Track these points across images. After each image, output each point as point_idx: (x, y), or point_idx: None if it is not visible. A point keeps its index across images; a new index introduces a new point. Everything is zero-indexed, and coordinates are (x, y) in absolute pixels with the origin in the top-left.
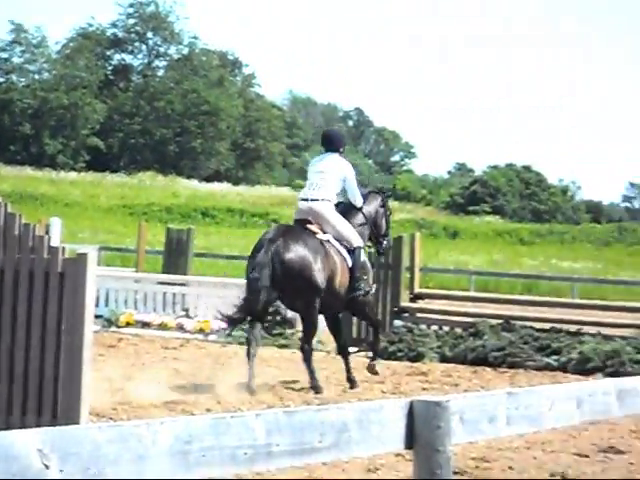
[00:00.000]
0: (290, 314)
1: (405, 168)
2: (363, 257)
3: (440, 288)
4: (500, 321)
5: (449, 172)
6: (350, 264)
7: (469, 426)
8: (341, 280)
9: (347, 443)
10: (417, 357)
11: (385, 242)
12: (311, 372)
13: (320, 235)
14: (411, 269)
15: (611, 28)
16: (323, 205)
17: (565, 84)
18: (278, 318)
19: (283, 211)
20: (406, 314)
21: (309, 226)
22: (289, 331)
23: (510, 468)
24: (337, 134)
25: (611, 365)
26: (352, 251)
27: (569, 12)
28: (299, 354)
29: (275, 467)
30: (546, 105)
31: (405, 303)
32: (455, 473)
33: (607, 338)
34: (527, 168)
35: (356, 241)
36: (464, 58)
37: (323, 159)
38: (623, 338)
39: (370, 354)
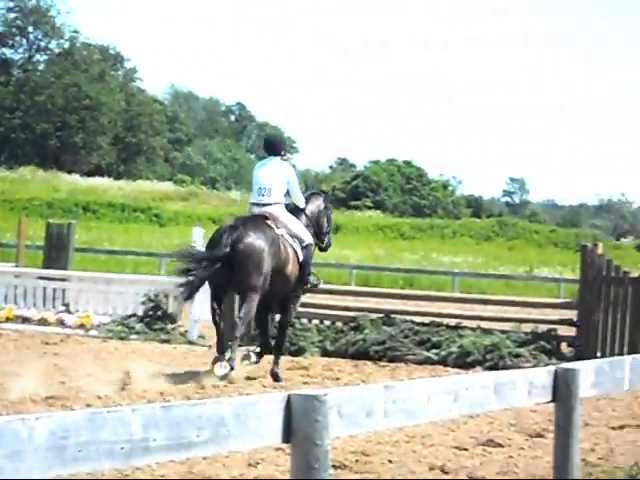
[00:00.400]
0: (171, 309)
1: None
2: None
3: (322, 283)
4: (381, 315)
5: (331, 167)
6: (301, 258)
7: (347, 420)
8: (292, 270)
9: (225, 437)
10: (298, 351)
11: (326, 239)
12: (232, 350)
13: (276, 230)
14: None
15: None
16: (275, 208)
17: (446, 80)
18: (159, 313)
19: (165, 206)
20: None
21: (267, 221)
22: (170, 326)
23: (390, 462)
24: (278, 139)
25: (491, 359)
26: (304, 247)
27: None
28: (180, 349)
29: (153, 462)
30: (426, 100)
31: None
32: (335, 467)
33: (486, 332)
34: (408, 163)
35: (307, 239)
36: (343, 52)
37: (267, 164)
38: (502, 332)
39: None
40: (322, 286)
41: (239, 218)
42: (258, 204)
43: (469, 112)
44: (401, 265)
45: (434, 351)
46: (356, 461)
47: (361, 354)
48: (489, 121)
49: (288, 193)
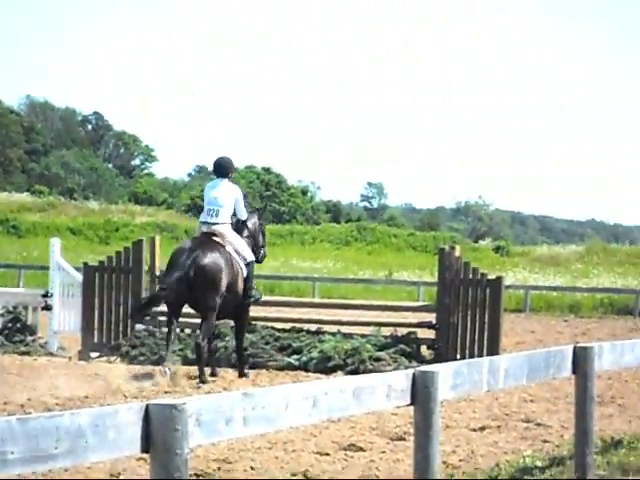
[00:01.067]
0: (30, 321)
1: (146, 172)
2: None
3: None
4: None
5: (190, 175)
6: (245, 274)
7: (206, 428)
8: (240, 286)
9: (83, 449)
10: (159, 360)
11: (262, 252)
12: (201, 368)
13: (226, 247)
14: (151, 272)
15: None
16: (223, 227)
17: (302, 83)
18: (18, 325)
19: (23, 217)
20: (147, 317)
21: (215, 238)
22: (30, 338)
23: (252, 469)
24: (227, 162)
25: (352, 363)
26: (247, 264)
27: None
28: (40, 361)
29: (11, 475)
30: (283, 105)
31: None
32: (197, 476)
33: (347, 336)
34: (267, 170)
35: (250, 256)
36: (197, 57)
37: (216, 186)
38: (363, 336)
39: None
40: None
41: (194, 239)
42: (207, 223)
43: (326, 117)
44: (261, 272)
45: (295, 357)
46: (218, 469)
47: (223, 361)
48: (346, 125)
49: (234, 212)
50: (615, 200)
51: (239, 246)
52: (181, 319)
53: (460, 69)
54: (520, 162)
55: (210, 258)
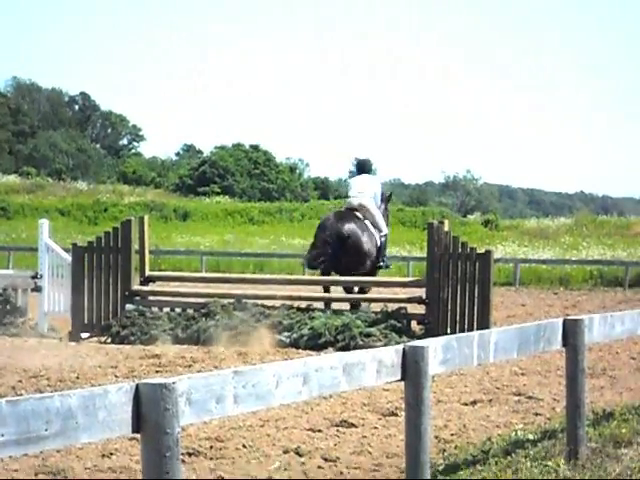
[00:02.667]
0: (20, 302)
1: (133, 151)
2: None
3: (172, 270)
4: (232, 300)
5: (177, 154)
6: (379, 244)
7: (197, 407)
8: (373, 254)
9: (74, 430)
10: (150, 340)
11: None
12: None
13: (365, 221)
14: (141, 252)
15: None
16: (366, 199)
17: (286, 61)
18: (8, 307)
19: (11, 198)
20: (137, 297)
21: (355, 212)
22: (20, 319)
23: (244, 446)
24: (367, 162)
25: (342, 339)
26: (382, 236)
27: None
28: (31, 342)
29: (2, 457)
30: (270, 83)
31: (136, 286)
32: (189, 454)
33: (337, 313)
34: (255, 147)
35: (385, 229)
36: (184, 34)
37: (361, 177)
38: (353, 312)
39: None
40: (172, 273)
41: (336, 212)
42: (354, 196)
43: (313, 93)
44: (251, 250)
45: (286, 334)
46: (210, 447)
47: (213, 340)
48: (333, 102)
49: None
50: (603, 172)
51: (379, 219)
52: (170, 298)
53: (447, 43)
54: (508, 135)
55: (349, 229)
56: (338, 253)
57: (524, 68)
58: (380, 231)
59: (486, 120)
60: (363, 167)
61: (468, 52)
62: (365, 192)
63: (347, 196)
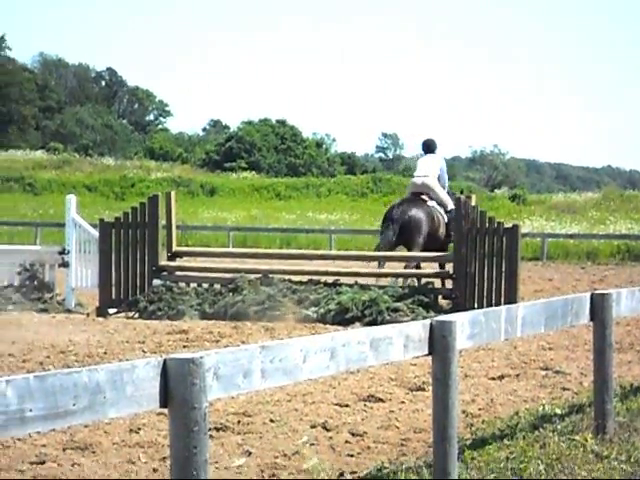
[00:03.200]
0: (47, 278)
1: (160, 127)
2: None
3: (199, 246)
4: (259, 276)
5: (204, 129)
6: (446, 220)
7: (224, 381)
8: (441, 232)
9: (102, 405)
10: (177, 315)
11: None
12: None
13: (428, 202)
14: (168, 228)
15: None
16: (431, 180)
17: (313, 35)
18: (36, 283)
19: (38, 174)
20: (165, 273)
21: (421, 196)
22: (47, 295)
23: (271, 421)
24: (432, 141)
25: (369, 314)
26: (447, 212)
27: None
28: (58, 318)
29: (30, 432)
30: (297, 58)
31: (163, 262)
32: (217, 429)
33: (364, 288)
34: (282, 122)
35: (450, 205)
36: (210, 12)
37: (426, 157)
38: (380, 287)
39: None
40: (199, 249)
41: (403, 199)
42: (419, 176)
43: (339, 68)
44: (278, 225)
45: (313, 309)
46: (238, 422)
47: (241, 315)
48: (360, 76)
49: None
50: (631, 147)
51: (444, 197)
52: (197, 274)
53: (473, 16)
54: (535, 110)
55: (413, 212)
56: (402, 235)
57: (551, 41)
58: (446, 207)
59: (513, 94)
60: (429, 147)
61: (495, 26)
62: (430, 173)
63: (412, 176)
